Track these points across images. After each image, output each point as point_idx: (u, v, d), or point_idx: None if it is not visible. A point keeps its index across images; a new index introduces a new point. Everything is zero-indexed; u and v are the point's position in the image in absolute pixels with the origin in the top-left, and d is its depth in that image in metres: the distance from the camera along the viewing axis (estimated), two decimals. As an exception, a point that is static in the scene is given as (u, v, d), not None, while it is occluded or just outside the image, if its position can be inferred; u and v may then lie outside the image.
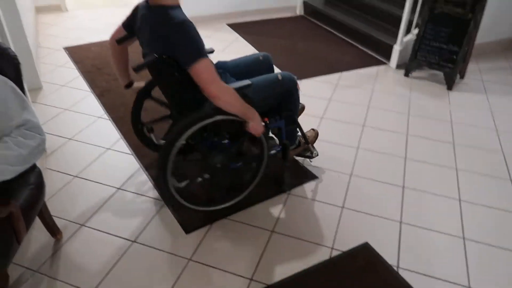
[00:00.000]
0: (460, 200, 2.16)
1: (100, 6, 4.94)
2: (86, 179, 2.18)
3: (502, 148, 2.61)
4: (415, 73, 3.54)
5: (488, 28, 3.67)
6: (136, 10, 1.74)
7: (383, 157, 2.48)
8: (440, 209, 2.10)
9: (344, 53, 3.92)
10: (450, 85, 3.31)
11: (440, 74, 3.45)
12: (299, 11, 4.99)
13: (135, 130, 2.24)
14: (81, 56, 3.58)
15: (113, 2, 5.15)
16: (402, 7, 3.55)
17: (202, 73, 1.50)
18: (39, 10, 4.56)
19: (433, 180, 2.30)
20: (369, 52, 3.95)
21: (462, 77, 3.49)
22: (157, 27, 1.53)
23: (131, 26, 1.78)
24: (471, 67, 3.63)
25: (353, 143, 2.58)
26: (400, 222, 2.00)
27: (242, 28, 4.43)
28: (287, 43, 4.11)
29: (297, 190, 2.17)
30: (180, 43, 1.48)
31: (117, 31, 1.86)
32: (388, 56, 3.71)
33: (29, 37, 2.97)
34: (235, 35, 4.24)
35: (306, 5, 4.92)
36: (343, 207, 2.08)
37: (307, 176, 2.28)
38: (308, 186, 2.21)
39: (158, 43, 1.55)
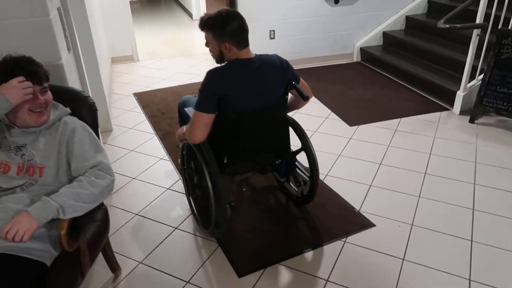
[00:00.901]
0: (539, 259, 1.95)
1: (168, 57, 5.36)
2: (146, 218, 2.28)
3: None
4: (481, 120, 3.37)
5: None
6: (217, 81, 1.74)
7: (448, 207, 2.32)
8: (515, 267, 1.91)
9: (403, 99, 3.85)
10: (521, 132, 3.10)
11: (509, 120, 3.25)
12: (356, 57, 5.03)
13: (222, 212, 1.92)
14: (147, 101, 3.86)
15: (179, 52, 5.57)
16: (464, 52, 3.46)
17: (305, 83, 2.05)
18: (114, 60, 5.04)
19: (508, 235, 2.10)
20: (430, 97, 3.84)
21: (535, 123, 3.26)
22: (276, 68, 1.89)
23: (218, 103, 1.75)
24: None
25: (414, 192, 2.46)
26: (469, 280, 1.83)
27: (299, 75, 4.52)
28: (344, 89, 4.12)
29: (353, 238, 2.09)
30: (292, 69, 1.97)
31: (206, 126, 1.78)
32: (450, 102, 3.58)
33: (105, 85, 3.28)
34: (292, 81, 4.34)
35: (363, 52, 4.96)
36: (404, 259, 1.96)
37: (364, 223, 2.19)
38: (365, 234, 2.12)
39: (282, 80, 1.92)
